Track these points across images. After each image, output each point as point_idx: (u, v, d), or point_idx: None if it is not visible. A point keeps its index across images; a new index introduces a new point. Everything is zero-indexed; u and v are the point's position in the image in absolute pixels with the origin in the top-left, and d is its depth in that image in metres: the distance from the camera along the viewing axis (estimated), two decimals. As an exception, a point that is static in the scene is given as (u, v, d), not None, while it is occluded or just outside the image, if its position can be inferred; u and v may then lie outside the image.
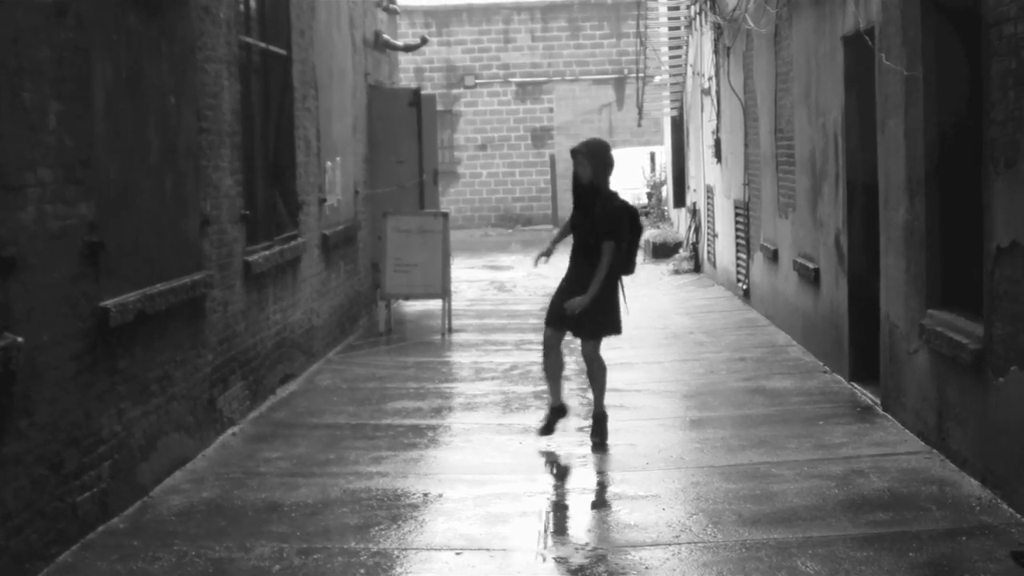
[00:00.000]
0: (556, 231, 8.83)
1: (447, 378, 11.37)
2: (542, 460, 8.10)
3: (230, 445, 8.57)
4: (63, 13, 6.25)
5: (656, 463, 7.88)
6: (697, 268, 19.60)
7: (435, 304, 14.75)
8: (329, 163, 12.74)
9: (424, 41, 19.88)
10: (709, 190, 18.18)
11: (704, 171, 18.62)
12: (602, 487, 7.55)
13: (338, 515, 6.86)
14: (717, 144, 16.94)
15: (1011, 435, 6.47)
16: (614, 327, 8.53)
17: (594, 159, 8.42)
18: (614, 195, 8.48)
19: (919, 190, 7.87)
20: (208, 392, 8.50)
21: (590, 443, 8.37)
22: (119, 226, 6.94)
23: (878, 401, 9.02)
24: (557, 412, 8.61)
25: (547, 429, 8.56)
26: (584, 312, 8.29)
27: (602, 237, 8.30)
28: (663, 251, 21.59)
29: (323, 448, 8.46)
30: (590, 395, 8.80)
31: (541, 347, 8.73)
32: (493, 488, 7.40)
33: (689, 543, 6.24)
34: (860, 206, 9.64)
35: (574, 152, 8.50)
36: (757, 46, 13.75)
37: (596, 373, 8.53)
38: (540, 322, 9.42)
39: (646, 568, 5.91)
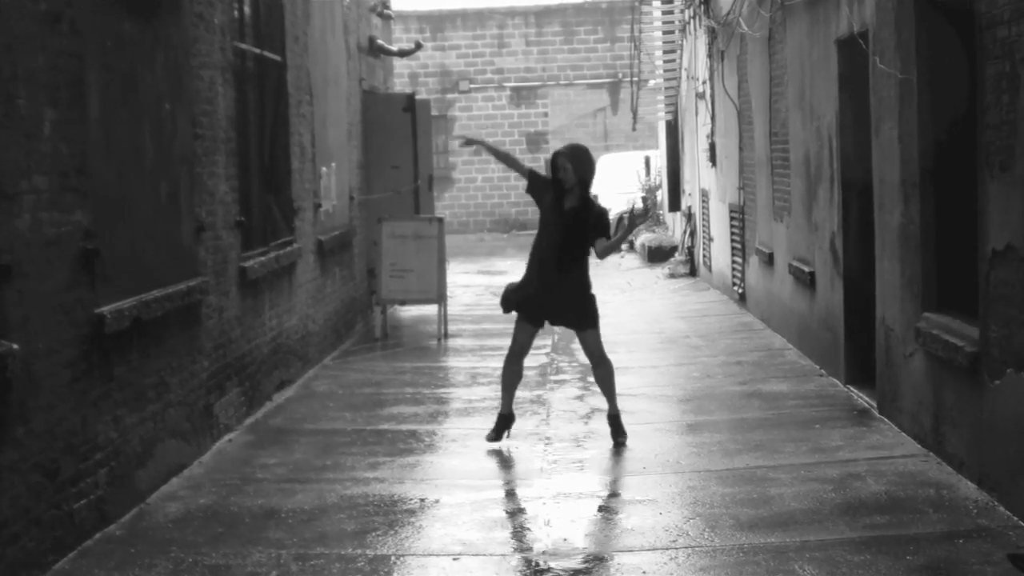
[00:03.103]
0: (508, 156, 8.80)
1: (443, 383, 11.36)
2: (538, 465, 8.09)
3: (227, 451, 8.56)
4: (58, 20, 6.24)
5: (653, 467, 7.88)
6: (692, 272, 19.60)
7: (431, 309, 14.74)
8: (324, 169, 12.74)
9: (419, 46, 19.89)
10: (704, 194, 18.19)
11: (699, 175, 18.63)
12: (599, 491, 7.54)
13: (335, 521, 6.85)
14: (712, 148, 16.95)
15: (1007, 437, 6.47)
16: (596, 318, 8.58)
17: (579, 163, 8.39)
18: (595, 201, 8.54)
19: (914, 193, 7.88)
20: (204, 398, 8.50)
21: (586, 449, 8.39)
22: (114, 233, 6.94)
23: (874, 404, 9.02)
24: (507, 419, 8.62)
25: (497, 436, 8.57)
26: (572, 304, 8.36)
27: (596, 235, 8.39)
28: (658, 255, 21.57)
29: (320, 454, 8.46)
30: (591, 399, 8.78)
31: (510, 347, 8.58)
32: (490, 493, 7.40)
33: (686, 547, 6.24)
34: (855, 209, 9.65)
35: (557, 155, 8.45)
36: (751, 50, 13.75)
37: (607, 373, 8.52)
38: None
39: (643, 573, 5.91)
